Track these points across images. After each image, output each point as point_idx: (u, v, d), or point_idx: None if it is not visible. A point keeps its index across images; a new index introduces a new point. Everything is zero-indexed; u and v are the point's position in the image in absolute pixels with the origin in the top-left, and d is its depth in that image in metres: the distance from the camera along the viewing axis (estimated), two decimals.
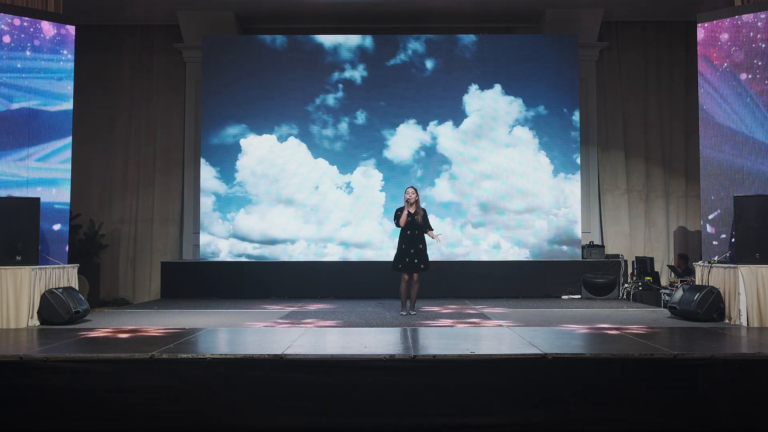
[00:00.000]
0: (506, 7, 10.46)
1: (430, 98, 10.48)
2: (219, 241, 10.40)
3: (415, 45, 10.54)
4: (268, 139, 10.52)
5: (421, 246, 7.34)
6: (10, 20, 7.25)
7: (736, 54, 7.24)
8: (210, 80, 10.54)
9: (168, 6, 10.29)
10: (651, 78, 10.91)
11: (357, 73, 10.53)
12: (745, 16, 7.22)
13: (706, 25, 7.44)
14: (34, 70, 7.39)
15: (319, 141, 10.52)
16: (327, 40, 10.59)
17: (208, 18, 10.69)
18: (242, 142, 10.51)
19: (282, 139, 10.52)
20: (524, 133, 10.45)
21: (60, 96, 7.55)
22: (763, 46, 7.11)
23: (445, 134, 10.46)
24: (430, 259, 7.46)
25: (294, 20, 10.87)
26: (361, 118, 10.51)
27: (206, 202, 10.45)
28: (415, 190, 7.39)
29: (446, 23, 10.93)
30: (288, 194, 10.47)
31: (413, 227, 7.31)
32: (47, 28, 7.48)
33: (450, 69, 10.50)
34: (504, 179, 10.40)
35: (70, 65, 7.63)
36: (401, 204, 7.45)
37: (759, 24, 7.13)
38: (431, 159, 10.47)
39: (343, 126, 10.51)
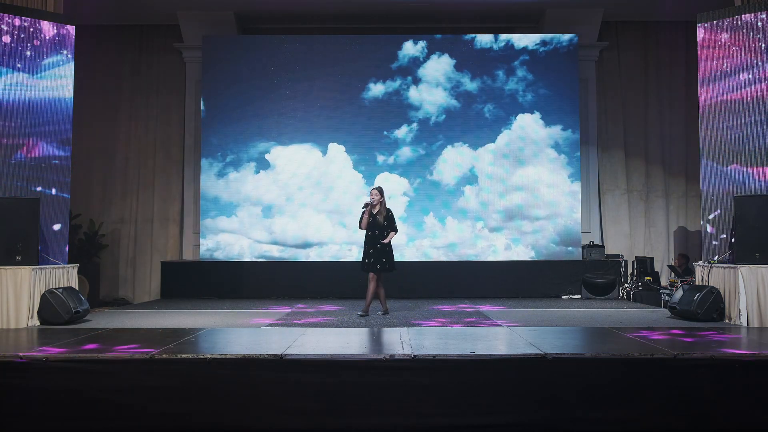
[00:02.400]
0: (506, 7, 10.46)
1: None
2: (242, 241, 10.48)
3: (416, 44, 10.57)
4: (298, 149, 10.55)
5: (379, 246, 7.24)
6: (10, 20, 7.25)
7: (736, 54, 7.25)
8: (210, 80, 10.55)
9: (168, 6, 10.29)
10: (651, 78, 10.91)
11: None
12: (745, 16, 7.23)
13: (706, 25, 7.44)
14: (34, 70, 7.40)
15: (344, 148, 10.55)
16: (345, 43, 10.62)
17: (208, 18, 10.69)
18: (258, 149, 10.58)
19: (308, 147, 10.55)
20: (522, 133, 10.46)
21: (60, 96, 7.55)
22: (763, 46, 7.12)
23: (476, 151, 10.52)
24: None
25: (294, 20, 10.87)
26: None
27: (254, 210, 10.53)
28: (379, 191, 7.29)
29: (446, 23, 10.94)
30: (304, 199, 10.53)
31: (374, 228, 7.26)
32: (47, 28, 7.48)
33: (460, 70, 10.54)
34: (506, 181, 10.42)
35: (70, 65, 7.63)
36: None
37: (759, 24, 7.13)
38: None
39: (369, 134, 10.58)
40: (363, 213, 7.30)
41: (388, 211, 7.33)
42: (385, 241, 7.24)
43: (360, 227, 7.37)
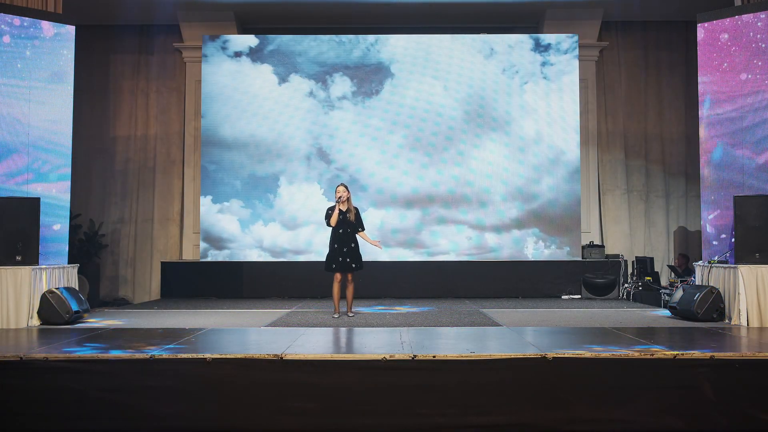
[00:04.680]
0: (506, 7, 10.46)
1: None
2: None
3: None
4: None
5: (353, 245, 7.07)
6: (10, 20, 7.25)
7: (736, 54, 7.25)
8: (210, 80, 10.54)
9: (168, 6, 10.29)
10: (651, 78, 10.91)
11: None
12: (745, 16, 7.23)
13: (706, 25, 7.44)
14: (34, 70, 7.39)
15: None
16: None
17: (208, 18, 10.69)
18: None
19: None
20: (521, 132, 10.46)
21: (60, 96, 7.55)
22: (763, 46, 7.12)
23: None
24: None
25: (294, 20, 10.86)
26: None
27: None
28: (346, 188, 7.09)
29: (447, 23, 10.93)
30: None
31: (345, 226, 7.04)
32: (47, 28, 7.48)
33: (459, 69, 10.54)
34: (506, 181, 10.42)
35: (70, 65, 7.63)
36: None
37: (759, 24, 7.14)
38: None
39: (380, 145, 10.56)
40: (332, 209, 7.05)
41: (356, 209, 7.21)
42: (377, 246, 7.50)
43: (328, 224, 7.09)
